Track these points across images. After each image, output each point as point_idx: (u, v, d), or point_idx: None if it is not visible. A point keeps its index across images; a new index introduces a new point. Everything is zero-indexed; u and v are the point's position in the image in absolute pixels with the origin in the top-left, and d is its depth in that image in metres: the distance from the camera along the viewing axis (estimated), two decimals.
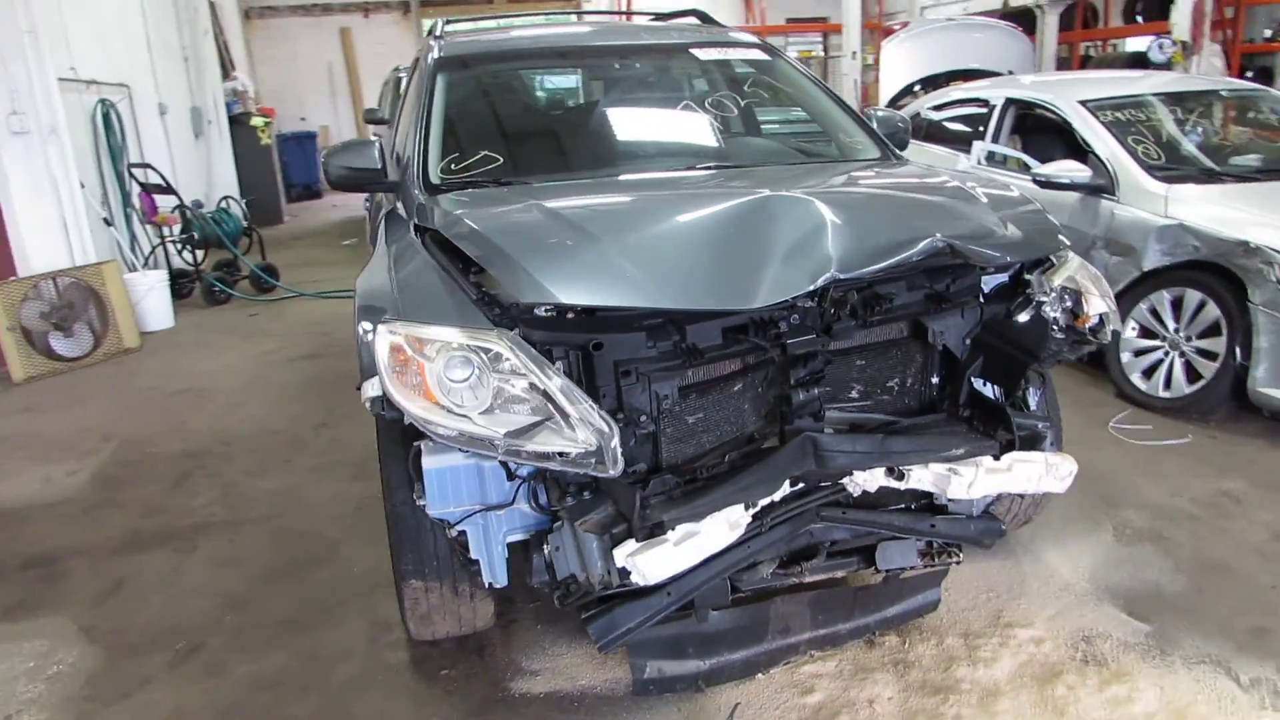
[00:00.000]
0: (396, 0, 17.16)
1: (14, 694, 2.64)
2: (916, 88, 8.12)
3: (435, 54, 3.49)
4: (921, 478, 2.30)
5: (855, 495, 2.32)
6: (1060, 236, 2.51)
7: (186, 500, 3.85)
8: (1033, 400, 2.54)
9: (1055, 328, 2.51)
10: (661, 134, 3.32)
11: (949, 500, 2.43)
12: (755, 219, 2.23)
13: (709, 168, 3.00)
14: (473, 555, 2.27)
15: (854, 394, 2.44)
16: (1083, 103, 5.02)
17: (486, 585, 2.31)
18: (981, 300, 2.48)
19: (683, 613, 2.33)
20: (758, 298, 2.01)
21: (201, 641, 2.85)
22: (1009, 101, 5.67)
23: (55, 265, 5.98)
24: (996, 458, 2.31)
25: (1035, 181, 4.78)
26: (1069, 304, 2.50)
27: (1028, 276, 2.48)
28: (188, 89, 10.40)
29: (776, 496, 2.22)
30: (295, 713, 2.51)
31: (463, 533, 2.25)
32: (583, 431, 1.94)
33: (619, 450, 1.95)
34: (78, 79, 7.10)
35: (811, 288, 2.04)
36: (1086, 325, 2.51)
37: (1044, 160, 4.90)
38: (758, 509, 2.20)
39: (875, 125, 3.50)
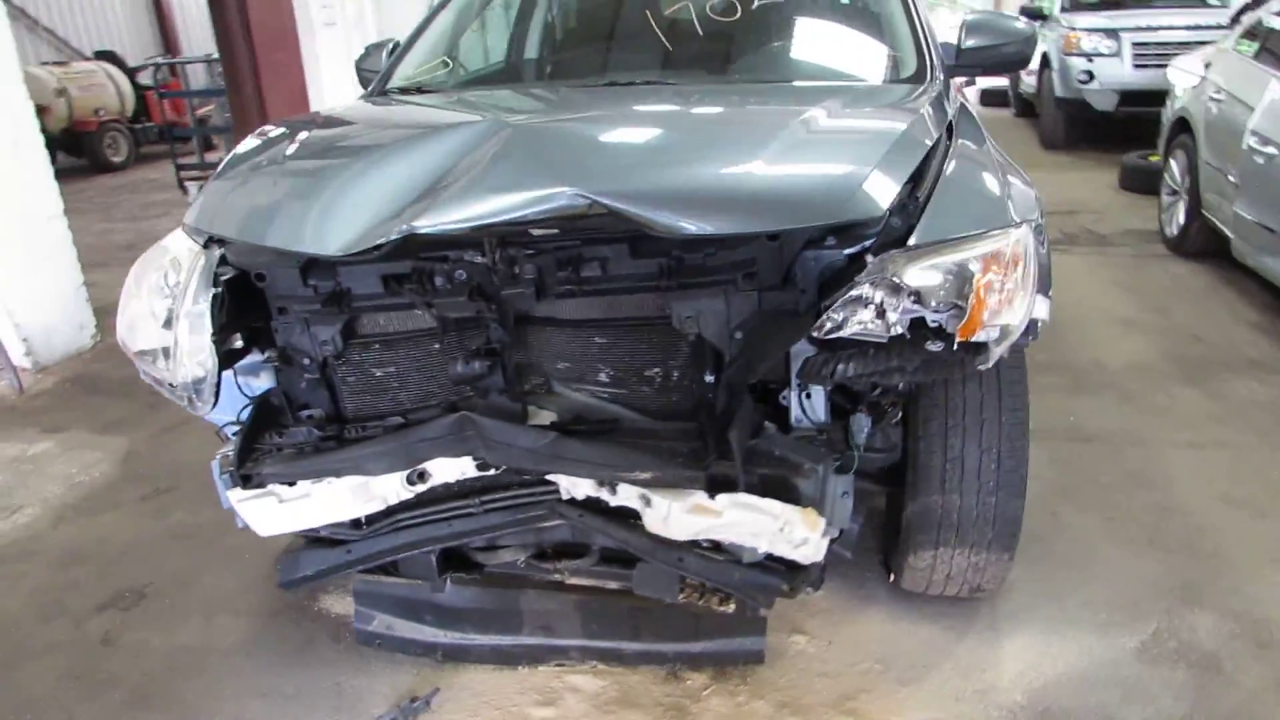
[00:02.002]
0: None
1: (41, 490, 3.30)
2: None
3: None
4: (630, 497, 1.81)
5: (567, 498, 1.91)
6: (882, 199, 1.67)
7: None
8: (860, 433, 1.81)
9: (926, 336, 1.73)
10: (634, 43, 2.84)
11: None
12: (422, 151, 1.87)
13: (632, 84, 2.53)
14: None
15: (603, 378, 1.95)
16: None
17: None
18: (768, 283, 1.78)
19: (391, 572, 2.15)
20: (334, 245, 1.70)
21: (176, 485, 3.28)
22: None
23: None
24: (711, 495, 1.72)
25: None
26: (942, 303, 1.70)
27: (870, 258, 1.74)
28: None
29: (451, 477, 1.91)
30: (162, 564, 2.80)
31: None
32: (187, 363, 1.84)
33: (211, 390, 1.82)
34: None
35: (380, 241, 1.65)
36: (967, 339, 1.69)
37: None
38: (425, 486, 1.92)
39: (965, 35, 2.70)
